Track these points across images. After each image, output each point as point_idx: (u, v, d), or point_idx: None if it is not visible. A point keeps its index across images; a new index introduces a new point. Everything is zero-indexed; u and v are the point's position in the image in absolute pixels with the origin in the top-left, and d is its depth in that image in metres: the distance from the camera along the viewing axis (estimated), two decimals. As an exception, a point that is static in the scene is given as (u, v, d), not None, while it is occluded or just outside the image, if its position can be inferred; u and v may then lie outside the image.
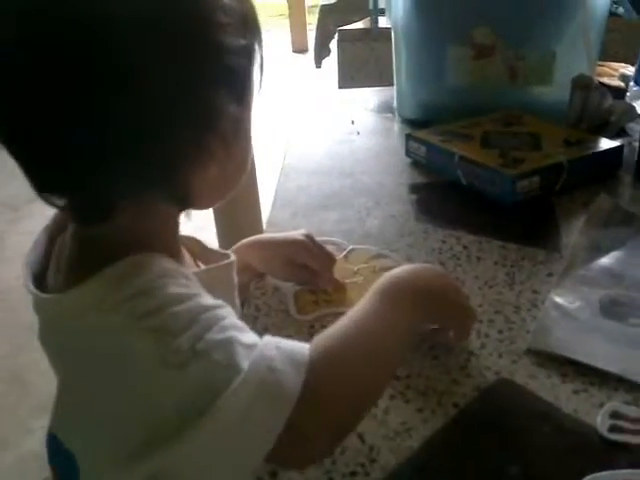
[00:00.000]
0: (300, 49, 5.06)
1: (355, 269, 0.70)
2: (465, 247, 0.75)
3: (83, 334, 0.40)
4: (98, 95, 0.36)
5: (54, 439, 0.46)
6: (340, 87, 1.99)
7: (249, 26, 0.43)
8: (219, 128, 0.42)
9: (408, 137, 1.00)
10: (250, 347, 0.38)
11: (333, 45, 2.00)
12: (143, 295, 0.39)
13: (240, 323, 0.41)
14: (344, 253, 0.73)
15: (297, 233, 0.68)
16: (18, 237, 2.27)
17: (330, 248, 0.73)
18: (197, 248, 0.56)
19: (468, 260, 0.72)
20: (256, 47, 0.45)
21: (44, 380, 1.58)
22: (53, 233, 0.49)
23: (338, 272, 0.68)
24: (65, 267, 0.45)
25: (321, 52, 2.18)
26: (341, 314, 0.61)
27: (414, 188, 0.92)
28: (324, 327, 0.59)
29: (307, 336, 0.60)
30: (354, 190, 0.92)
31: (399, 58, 1.16)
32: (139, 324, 0.37)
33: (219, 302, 0.41)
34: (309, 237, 0.66)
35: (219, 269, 0.53)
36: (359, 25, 2.02)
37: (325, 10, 2.16)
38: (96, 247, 0.43)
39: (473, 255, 0.73)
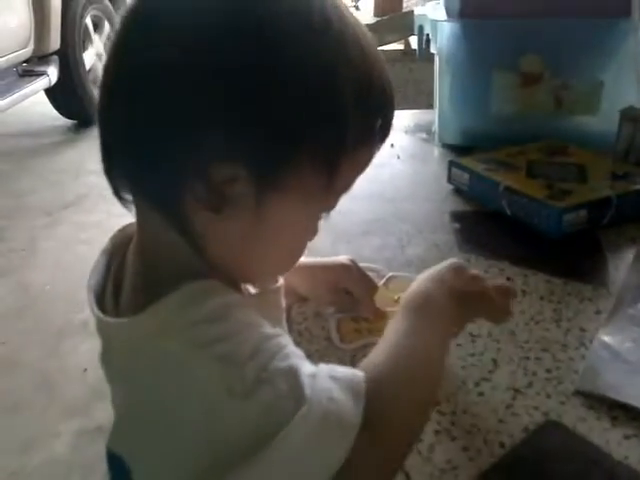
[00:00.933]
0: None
1: (395, 297, 0.70)
2: (509, 279, 0.74)
3: (148, 359, 0.40)
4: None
5: (114, 457, 0.46)
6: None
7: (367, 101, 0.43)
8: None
9: (451, 164, 1.01)
10: (311, 376, 0.39)
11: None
12: (208, 322, 0.39)
13: (299, 351, 0.42)
14: (384, 280, 0.73)
15: (342, 258, 0.68)
16: (50, 243, 2.31)
17: (370, 274, 0.73)
18: None
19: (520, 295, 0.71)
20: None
21: (72, 385, 1.61)
22: (112, 255, 0.50)
23: (378, 300, 0.68)
24: (129, 289, 0.46)
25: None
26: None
27: (457, 216, 0.92)
28: (366, 356, 0.61)
29: (350, 365, 0.60)
30: (396, 216, 0.93)
31: (442, 83, 1.17)
32: (204, 352, 0.38)
33: (278, 330, 0.42)
34: (353, 262, 0.67)
35: (269, 293, 0.54)
36: (398, 46, 2.04)
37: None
38: (161, 270, 0.44)
39: (518, 288, 0.72)
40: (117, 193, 0.44)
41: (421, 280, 0.54)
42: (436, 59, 1.17)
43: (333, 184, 0.43)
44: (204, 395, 0.37)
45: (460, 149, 1.16)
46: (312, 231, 0.49)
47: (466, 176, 0.97)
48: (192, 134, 0.39)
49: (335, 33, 0.42)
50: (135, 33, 0.41)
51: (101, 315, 0.44)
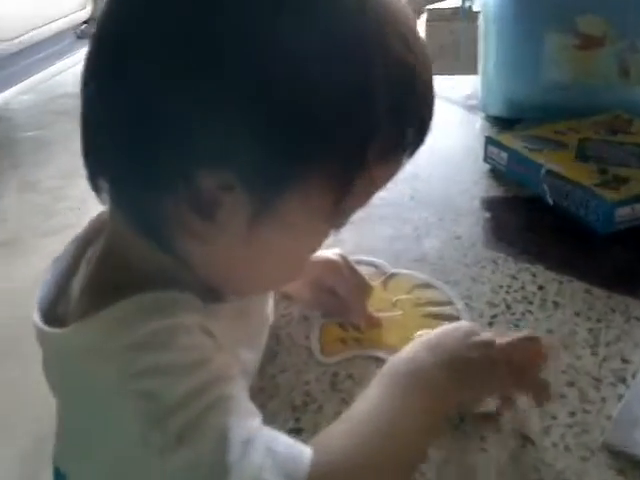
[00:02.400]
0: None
1: (394, 300, 0.60)
2: (541, 288, 0.62)
3: (82, 375, 0.37)
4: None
5: (58, 474, 0.42)
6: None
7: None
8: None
9: (488, 140, 0.87)
10: (244, 443, 0.33)
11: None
12: (145, 348, 0.35)
13: (244, 403, 0.36)
14: (382, 279, 0.63)
15: (330, 252, 0.58)
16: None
17: (368, 271, 0.63)
18: None
19: (542, 306, 0.60)
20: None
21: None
22: (84, 243, 0.45)
23: (374, 302, 0.58)
24: (77, 291, 0.41)
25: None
26: (372, 358, 0.53)
27: (488, 203, 0.80)
28: (350, 376, 0.52)
29: (329, 386, 0.51)
30: (416, 200, 0.81)
31: (487, 45, 1.02)
32: (132, 383, 0.34)
33: (229, 373, 0.37)
34: (343, 258, 0.57)
35: (252, 299, 0.49)
36: (451, 4, 1.86)
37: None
38: (115, 274, 0.40)
39: (549, 299, 0.60)
40: (92, 179, 0.38)
41: (415, 344, 0.45)
42: (480, 18, 1.02)
43: (344, 203, 0.37)
44: (122, 434, 0.34)
45: (506, 122, 1.02)
46: (315, 248, 0.44)
47: (504, 155, 0.84)
48: (180, 131, 0.34)
49: (372, 15, 0.34)
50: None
51: (40, 324, 0.39)
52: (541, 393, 0.45)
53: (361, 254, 0.68)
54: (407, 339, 0.53)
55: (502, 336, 0.46)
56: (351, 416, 0.38)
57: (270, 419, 0.47)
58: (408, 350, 0.44)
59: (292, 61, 0.33)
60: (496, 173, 0.86)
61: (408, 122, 0.39)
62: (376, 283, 0.62)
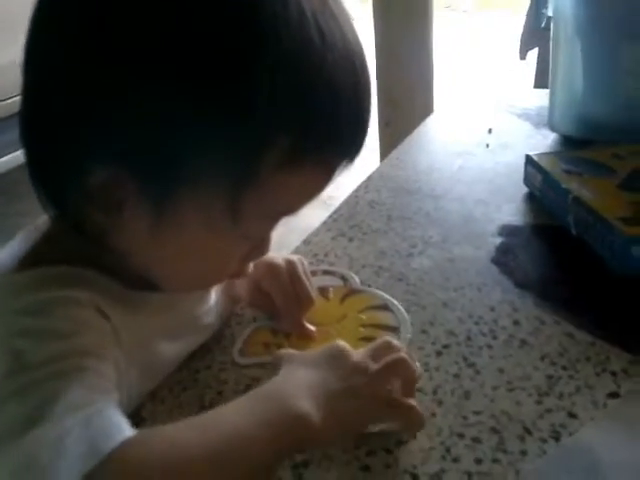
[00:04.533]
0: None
1: (341, 316, 0.58)
2: (516, 323, 0.57)
3: None
4: None
5: None
6: (536, 86, 1.76)
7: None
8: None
9: (527, 160, 0.82)
10: (69, 409, 0.33)
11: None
12: (26, 314, 0.38)
13: (98, 379, 0.37)
14: (343, 293, 0.62)
15: (287, 255, 0.59)
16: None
17: (334, 283, 0.63)
18: None
19: (507, 343, 0.55)
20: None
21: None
22: None
23: (319, 315, 0.57)
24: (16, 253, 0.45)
25: (528, 41, 1.94)
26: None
27: (507, 228, 0.75)
28: (259, 379, 0.51)
29: (244, 388, 0.52)
30: (429, 218, 0.78)
31: (558, 55, 0.96)
32: (8, 342, 0.37)
33: (97, 350, 0.38)
34: (291, 264, 0.57)
35: (179, 297, 0.51)
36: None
37: (540, -8, 1.91)
38: (40, 246, 0.44)
39: (518, 337, 0.55)
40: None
41: (299, 360, 0.45)
42: (552, 26, 0.96)
43: (240, 208, 0.39)
44: None
45: (576, 142, 0.95)
46: (232, 252, 0.45)
47: (539, 178, 0.78)
48: (70, 125, 0.38)
49: None
50: None
51: None
52: (414, 422, 0.43)
53: (344, 265, 0.68)
54: None
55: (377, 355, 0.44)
56: (196, 419, 0.38)
57: (177, 411, 0.49)
58: (286, 367, 0.43)
59: (172, 38, 0.35)
60: (533, 198, 0.81)
61: (313, 127, 0.38)
62: (335, 297, 0.61)
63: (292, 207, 0.43)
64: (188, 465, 0.34)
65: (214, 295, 0.57)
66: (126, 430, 0.34)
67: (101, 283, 0.43)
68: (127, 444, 0.33)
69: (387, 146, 2.13)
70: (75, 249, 0.43)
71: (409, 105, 2.02)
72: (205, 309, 0.56)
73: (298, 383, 0.41)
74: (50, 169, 0.41)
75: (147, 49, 0.35)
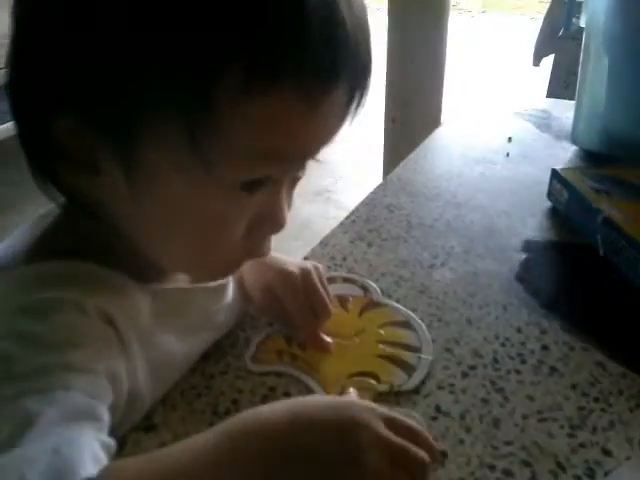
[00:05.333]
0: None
1: (359, 329, 0.56)
2: (545, 348, 0.55)
3: None
4: None
5: None
6: (549, 95, 1.74)
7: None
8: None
9: (553, 174, 0.80)
10: (40, 436, 0.31)
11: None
12: (26, 313, 0.36)
13: (78, 400, 0.33)
14: (363, 305, 0.59)
15: (301, 262, 0.56)
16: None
17: (354, 293, 0.61)
18: None
19: (536, 369, 0.53)
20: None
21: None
22: None
23: (337, 326, 0.55)
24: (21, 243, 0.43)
25: (542, 49, 1.93)
26: (297, 381, 0.50)
27: (532, 244, 0.73)
28: (287, 394, 0.49)
29: (260, 399, 0.49)
30: (450, 227, 0.76)
31: (587, 67, 0.94)
32: (3, 342, 0.35)
33: (89, 366, 0.36)
34: (306, 272, 0.54)
35: (192, 293, 0.49)
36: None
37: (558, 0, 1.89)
38: (51, 236, 0.42)
39: (548, 364, 0.53)
40: None
41: (279, 406, 0.36)
42: (584, 37, 0.94)
43: (203, 151, 0.35)
44: None
45: (598, 157, 0.93)
46: (220, 208, 0.39)
47: (565, 193, 0.76)
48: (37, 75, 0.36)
49: None
50: None
51: None
52: None
53: (365, 274, 0.65)
54: (343, 375, 0.50)
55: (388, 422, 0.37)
56: (163, 457, 0.33)
57: (189, 418, 0.47)
58: (268, 408, 0.36)
59: None
60: (556, 213, 0.79)
61: (257, 43, 0.32)
62: (354, 308, 0.59)
63: (272, 145, 0.37)
64: None
65: (230, 293, 0.55)
66: (93, 462, 0.31)
67: (110, 278, 0.41)
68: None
69: (392, 143, 2.11)
70: (84, 238, 0.41)
71: (418, 103, 2.00)
72: (219, 306, 0.53)
73: (280, 437, 0.34)
74: (25, 130, 0.39)
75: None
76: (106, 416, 0.35)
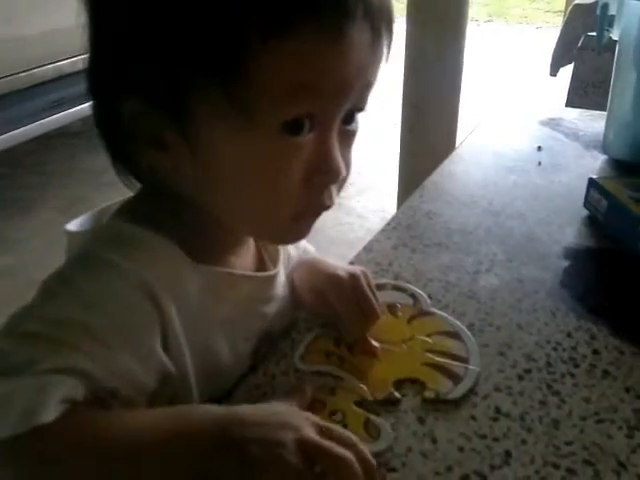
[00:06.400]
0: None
1: (407, 337, 0.57)
2: (596, 352, 0.57)
3: None
4: None
5: None
6: (568, 104, 1.76)
7: None
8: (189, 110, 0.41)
9: (590, 183, 0.82)
10: (41, 371, 0.36)
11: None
12: (79, 264, 0.43)
13: (80, 361, 0.37)
14: (412, 313, 0.61)
15: (350, 267, 0.58)
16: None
17: (404, 301, 0.62)
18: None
19: (589, 372, 0.55)
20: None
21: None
22: None
23: (386, 332, 0.57)
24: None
25: (560, 58, 1.95)
26: (341, 384, 0.52)
27: (572, 251, 0.75)
28: (315, 386, 0.50)
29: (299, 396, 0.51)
30: (491, 234, 0.78)
31: (620, 79, 0.96)
32: (50, 277, 0.42)
33: (106, 336, 0.39)
34: (354, 277, 0.56)
35: (251, 281, 0.53)
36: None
37: (577, 10, 1.92)
38: (127, 206, 0.48)
39: (600, 367, 0.55)
40: None
41: (255, 408, 0.41)
42: (617, 48, 0.96)
43: (241, 95, 0.39)
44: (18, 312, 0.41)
45: (629, 167, 0.95)
46: (276, 156, 0.42)
47: (604, 203, 0.78)
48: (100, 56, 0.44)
49: None
50: None
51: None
52: None
53: (411, 279, 0.67)
54: (389, 379, 0.52)
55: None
56: (136, 416, 0.38)
57: None
58: (242, 411, 0.39)
59: None
60: (594, 221, 0.80)
61: None
62: (403, 315, 0.60)
63: (302, 79, 0.39)
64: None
65: (280, 286, 0.56)
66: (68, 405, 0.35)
67: (170, 252, 0.44)
68: (60, 422, 0.34)
69: (408, 151, 2.13)
70: (154, 211, 0.46)
71: (435, 113, 2.02)
72: (267, 295, 0.55)
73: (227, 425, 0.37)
74: (101, 113, 0.45)
75: None
76: (95, 379, 0.38)
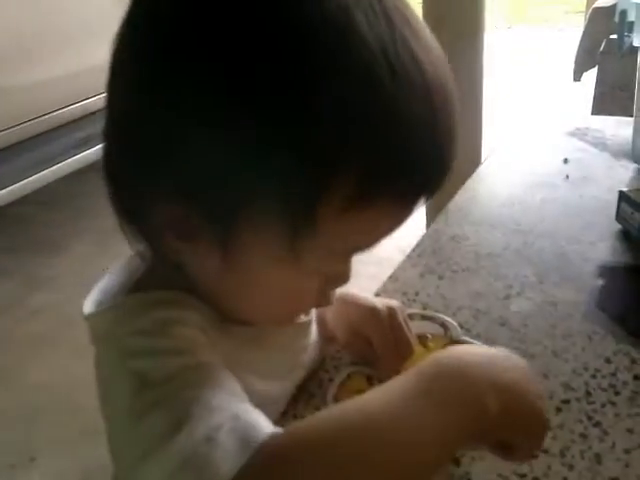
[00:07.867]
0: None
1: None
2: (637, 378, 0.55)
3: (97, 358, 0.42)
4: None
5: None
6: (594, 111, 1.73)
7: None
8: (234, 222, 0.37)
9: (622, 196, 0.80)
10: (214, 409, 0.34)
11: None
12: (143, 334, 0.39)
13: (226, 385, 0.37)
14: (444, 343, 0.59)
15: (387, 301, 0.57)
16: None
17: (435, 331, 0.61)
18: None
19: (631, 400, 0.53)
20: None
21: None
22: None
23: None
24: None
25: (583, 63, 1.92)
26: None
27: (606, 269, 0.72)
28: None
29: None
30: (520, 255, 0.76)
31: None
32: (129, 362, 0.38)
33: (211, 360, 0.39)
34: (392, 311, 0.55)
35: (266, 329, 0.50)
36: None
37: (597, 13, 1.89)
38: (150, 274, 0.45)
39: (643, 394, 0.53)
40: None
41: (466, 348, 0.44)
42: (639, 53, 0.94)
43: (300, 252, 0.38)
44: (117, 404, 0.38)
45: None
46: (303, 285, 0.43)
47: (637, 216, 0.76)
48: (141, 159, 0.38)
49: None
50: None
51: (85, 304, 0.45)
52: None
53: (440, 308, 0.66)
54: None
55: None
56: (352, 402, 0.37)
57: None
58: (459, 351, 0.39)
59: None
60: (628, 236, 0.78)
61: (372, 160, 0.35)
62: (435, 346, 0.59)
63: (362, 245, 0.41)
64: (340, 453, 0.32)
65: (314, 332, 0.56)
66: (269, 424, 0.35)
67: (202, 309, 0.43)
68: (276, 436, 0.33)
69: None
70: (176, 281, 0.44)
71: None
72: (306, 343, 0.54)
73: (479, 372, 0.37)
74: (127, 203, 0.41)
75: (208, 88, 0.34)
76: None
